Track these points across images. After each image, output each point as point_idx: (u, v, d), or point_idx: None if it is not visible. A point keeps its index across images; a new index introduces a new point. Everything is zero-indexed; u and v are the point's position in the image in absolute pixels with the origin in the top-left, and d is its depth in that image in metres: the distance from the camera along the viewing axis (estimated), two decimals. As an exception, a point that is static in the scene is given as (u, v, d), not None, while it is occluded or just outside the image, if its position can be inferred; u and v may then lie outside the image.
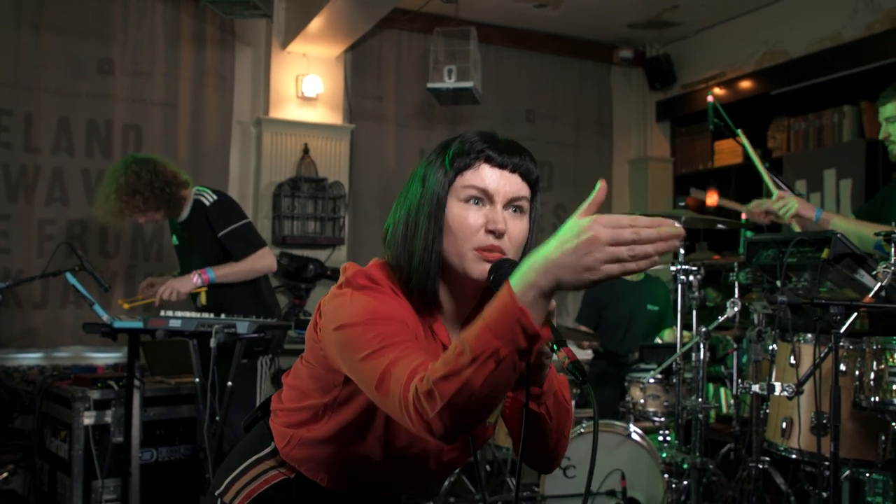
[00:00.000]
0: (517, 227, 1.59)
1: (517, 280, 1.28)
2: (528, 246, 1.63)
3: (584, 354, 6.20)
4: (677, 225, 1.21)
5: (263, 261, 4.20)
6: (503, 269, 1.51)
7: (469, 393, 1.28)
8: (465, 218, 1.56)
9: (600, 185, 1.30)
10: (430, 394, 1.31)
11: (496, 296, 1.30)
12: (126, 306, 4.47)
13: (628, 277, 5.49)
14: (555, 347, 1.40)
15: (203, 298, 4.17)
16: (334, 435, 1.68)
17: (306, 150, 5.95)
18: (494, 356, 1.27)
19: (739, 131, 3.93)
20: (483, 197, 1.57)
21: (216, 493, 1.80)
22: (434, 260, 1.58)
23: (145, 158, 4.19)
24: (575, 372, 1.35)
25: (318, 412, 1.70)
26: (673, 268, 3.99)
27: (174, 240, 4.45)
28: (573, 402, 4.88)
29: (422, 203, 1.59)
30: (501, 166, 1.58)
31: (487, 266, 1.55)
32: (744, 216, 3.99)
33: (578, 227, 1.22)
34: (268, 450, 1.80)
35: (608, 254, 1.20)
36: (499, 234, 1.55)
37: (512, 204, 1.58)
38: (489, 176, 1.57)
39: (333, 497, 1.77)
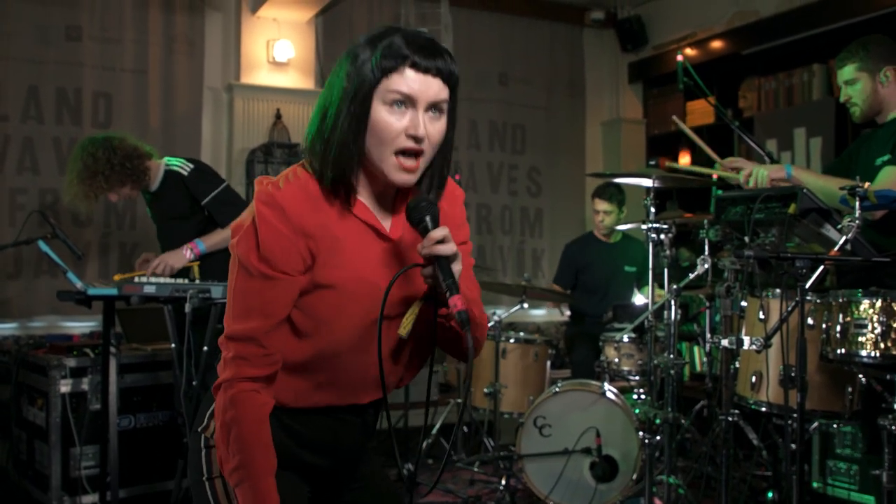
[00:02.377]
0: (436, 128, 1.69)
1: None
2: (445, 142, 1.73)
3: (562, 316, 6.23)
4: None
5: None
6: (419, 207, 1.67)
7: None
8: (388, 122, 1.65)
9: None
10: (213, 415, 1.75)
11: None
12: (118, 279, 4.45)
13: (605, 238, 5.52)
14: (448, 295, 1.61)
15: (196, 272, 4.13)
16: (274, 397, 1.79)
17: (279, 116, 5.92)
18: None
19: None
20: (406, 101, 1.65)
21: (199, 429, 1.85)
22: (355, 151, 1.67)
23: (101, 138, 4.09)
24: (460, 322, 1.59)
25: None
26: (644, 226, 4.00)
27: (148, 211, 4.42)
28: (548, 363, 4.96)
29: (344, 98, 1.66)
30: (425, 71, 1.65)
31: (407, 176, 1.68)
32: (715, 175, 4.00)
33: None
34: None
35: None
36: (419, 140, 1.65)
37: (432, 107, 1.67)
38: (413, 80, 1.64)
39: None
